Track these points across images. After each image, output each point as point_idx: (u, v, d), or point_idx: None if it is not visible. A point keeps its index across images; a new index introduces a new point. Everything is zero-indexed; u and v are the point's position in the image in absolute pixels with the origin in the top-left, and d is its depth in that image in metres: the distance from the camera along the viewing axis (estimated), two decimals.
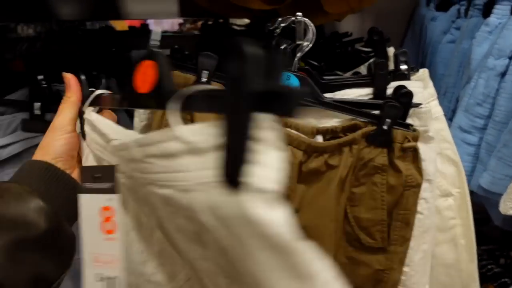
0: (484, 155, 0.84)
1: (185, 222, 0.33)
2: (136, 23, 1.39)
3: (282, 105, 0.26)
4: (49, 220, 0.36)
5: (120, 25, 1.44)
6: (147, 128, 0.69)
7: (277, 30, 0.62)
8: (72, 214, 0.41)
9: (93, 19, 1.27)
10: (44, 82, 0.76)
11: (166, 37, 1.40)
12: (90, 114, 0.45)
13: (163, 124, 0.59)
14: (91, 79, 0.99)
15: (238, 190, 0.27)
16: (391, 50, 0.80)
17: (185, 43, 1.37)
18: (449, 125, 0.93)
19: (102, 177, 0.40)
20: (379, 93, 0.63)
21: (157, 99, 0.36)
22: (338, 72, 0.91)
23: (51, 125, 0.45)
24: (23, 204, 0.35)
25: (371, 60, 0.81)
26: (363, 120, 0.61)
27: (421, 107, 0.61)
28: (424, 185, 0.61)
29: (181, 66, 0.62)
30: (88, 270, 0.40)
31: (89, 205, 0.40)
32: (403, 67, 0.63)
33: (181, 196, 0.31)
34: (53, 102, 0.77)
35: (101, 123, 0.43)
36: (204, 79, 0.58)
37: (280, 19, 0.69)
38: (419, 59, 1.20)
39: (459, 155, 0.88)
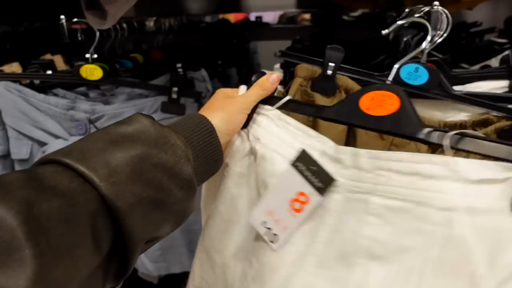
0: None
1: (410, 237, 0.37)
2: (240, 16, 1.43)
3: None
4: (187, 193, 0.37)
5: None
6: None
7: (408, 20, 0.61)
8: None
9: (216, 13, 1.38)
10: (181, 70, 0.86)
11: (280, 29, 1.46)
12: (281, 115, 0.48)
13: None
14: (215, 69, 1.09)
15: None
16: None
17: (298, 35, 1.41)
18: None
19: (316, 174, 0.42)
20: None
21: (395, 125, 0.42)
22: (464, 65, 0.86)
23: (235, 99, 0.47)
24: (178, 168, 0.36)
25: (507, 52, 0.75)
26: (496, 114, 0.57)
27: None
28: None
29: (307, 59, 0.64)
30: (257, 213, 0.46)
31: (291, 180, 0.43)
32: None
33: (425, 211, 0.37)
34: (187, 87, 0.87)
35: (297, 124, 0.47)
36: (329, 72, 0.60)
37: (408, 9, 0.68)
38: None
39: None
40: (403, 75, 0.61)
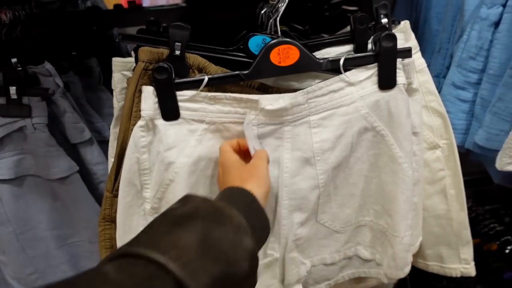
0: (479, 111, 0.80)
1: (335, 132, 0.58)
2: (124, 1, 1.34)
3: None
4: (252, 264, 0.38)
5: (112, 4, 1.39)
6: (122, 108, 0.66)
7: None
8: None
9: None
10: (18, 65, 0.73)
11: (155, 11, 1.36)
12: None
13: (134, 101, 0.57)
14: (71, 60, 0.97)
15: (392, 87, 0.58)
16: None
17: (173, 16, 1.33)
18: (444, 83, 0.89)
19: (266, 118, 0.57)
20: (360, 48, 0.60)
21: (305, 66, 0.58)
22: (324, 35, 0.87)
23: (254, 165, 0.51)
24: (239, 239, 0.38)
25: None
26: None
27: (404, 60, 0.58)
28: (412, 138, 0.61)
29: (152, 40, 0.58)
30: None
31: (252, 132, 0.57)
32: (384, 20, 0.59)
33: (343, 109, 0.58)
34: (29, 85, 0.75)
35: (226, 96, 0.56)
36: (177, 52, 0.55)
37: None
38: (413, 15, 1.15)
39: (453, 113, 0.85)
40: (252, 47, 0.58)
